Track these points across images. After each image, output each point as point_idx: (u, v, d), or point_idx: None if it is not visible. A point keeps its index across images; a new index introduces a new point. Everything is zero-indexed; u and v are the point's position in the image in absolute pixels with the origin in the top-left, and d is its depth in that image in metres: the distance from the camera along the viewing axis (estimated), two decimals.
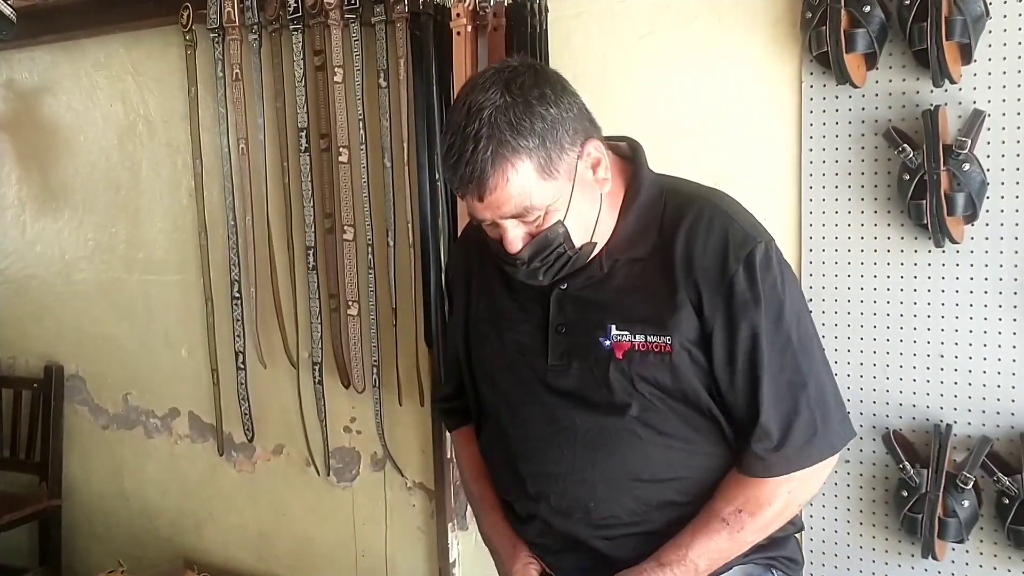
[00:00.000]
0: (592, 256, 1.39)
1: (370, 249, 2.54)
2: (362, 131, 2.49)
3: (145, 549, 3.25)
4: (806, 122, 2.01)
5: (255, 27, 2.62)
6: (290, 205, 2.67)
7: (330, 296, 2.62)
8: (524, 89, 1.25)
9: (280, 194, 2.69)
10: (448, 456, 2.56)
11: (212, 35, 2.68)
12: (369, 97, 2.49)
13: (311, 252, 2.63)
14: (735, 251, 1.31)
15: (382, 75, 2.45)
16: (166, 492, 3.23)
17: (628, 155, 1.46)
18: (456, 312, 1.63)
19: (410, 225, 2.46)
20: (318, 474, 2.84)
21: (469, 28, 2.28)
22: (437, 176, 2.38)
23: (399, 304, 2.53)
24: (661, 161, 1.54)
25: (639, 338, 1.33)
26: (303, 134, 2.59)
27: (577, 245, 1.33)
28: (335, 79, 2.51)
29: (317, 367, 2.70)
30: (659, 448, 1.38)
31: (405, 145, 2.44)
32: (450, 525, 2.61)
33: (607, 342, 1.34)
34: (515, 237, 1.31)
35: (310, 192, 2.61)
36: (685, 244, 1.33)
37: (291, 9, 2.53)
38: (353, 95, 2.50)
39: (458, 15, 2.27)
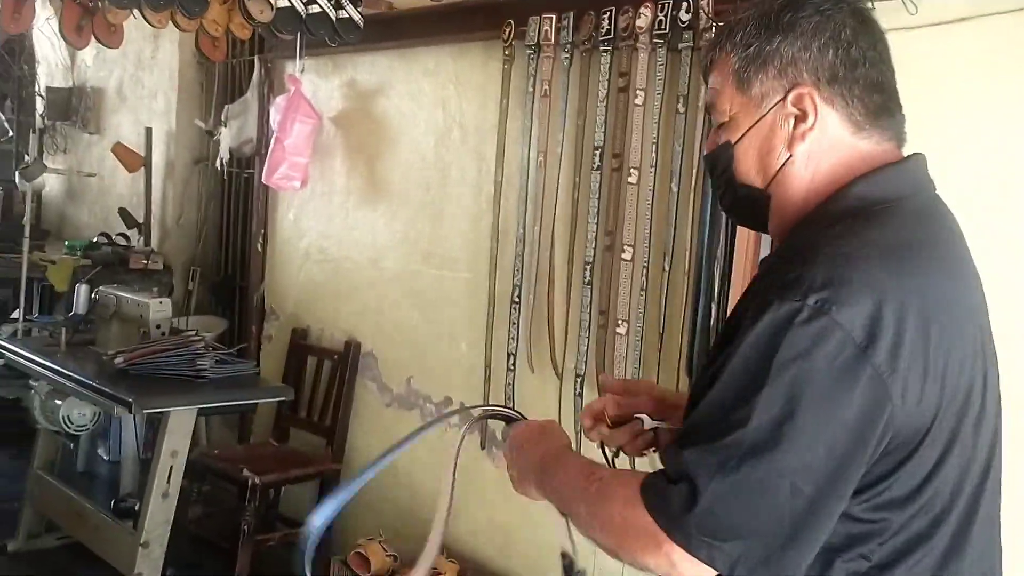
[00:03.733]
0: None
1: (645, 271, 2.55)
2: (654, 154, 2.52)
3: (405, 524, 3.46)
4: None
5: (568, 46, 2.74)
6: (575, 220, 2.76)
7: (600, 312, 2.67)
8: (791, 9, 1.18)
9: (568, 208, 2.78)
10: None
11: (528, 51, 2.83)
12: (665, 121, 2.52)
13: (589, 267, 2.70)
14: (770, 292, 1.05)
15: (681, 101, 2.46)
16: (431, 475, 3.42)
17: (895, 160, 1.19)
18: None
19: (688, 253, 2.45)
20: None
21: None
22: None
23: (666, 329, 2.52)
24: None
25: None
26: (597, 152, 2.66)
27: (739, 180, 1.22)
28: (635, 101, 2.56)
29: (580, 380, 2.75)
30: None
31: (695, 172, 2.44)
32: None
33: None
34: (711, 138, 1.27)
35: (596, 209, 2.67)
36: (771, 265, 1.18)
37: (603, 31, 2.62)
38: (651, 118, 2.53)
39: None
